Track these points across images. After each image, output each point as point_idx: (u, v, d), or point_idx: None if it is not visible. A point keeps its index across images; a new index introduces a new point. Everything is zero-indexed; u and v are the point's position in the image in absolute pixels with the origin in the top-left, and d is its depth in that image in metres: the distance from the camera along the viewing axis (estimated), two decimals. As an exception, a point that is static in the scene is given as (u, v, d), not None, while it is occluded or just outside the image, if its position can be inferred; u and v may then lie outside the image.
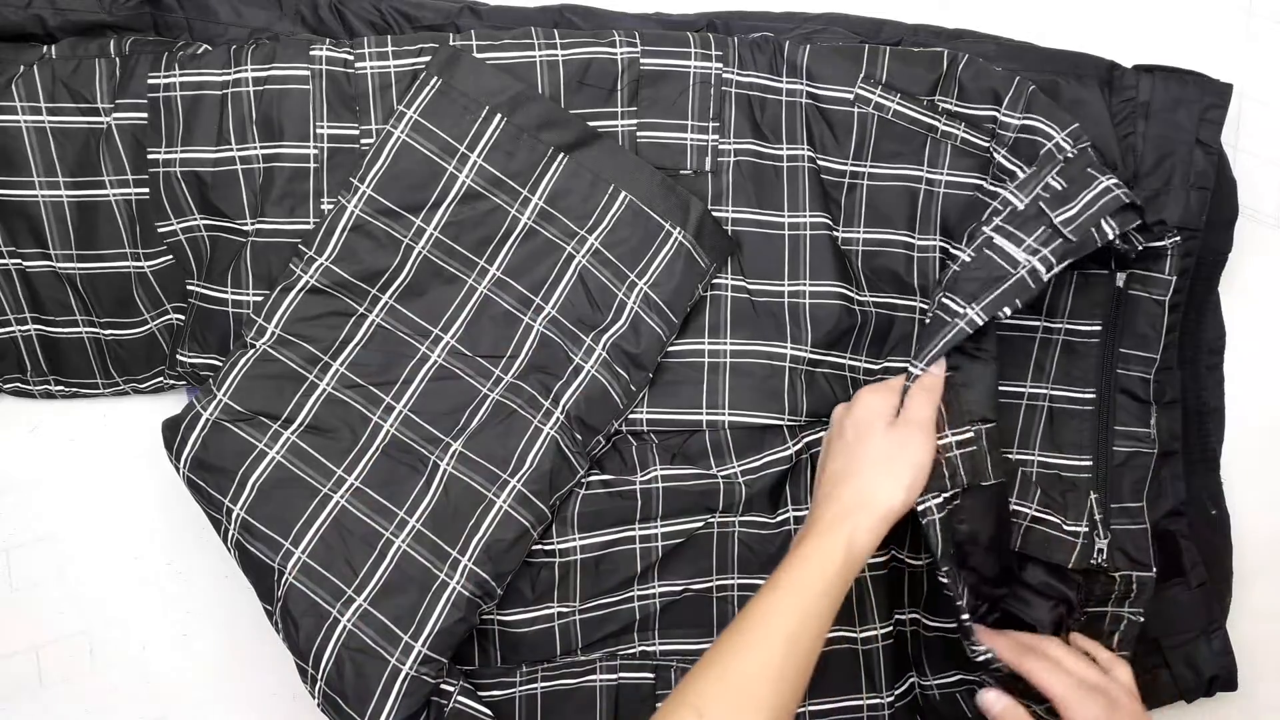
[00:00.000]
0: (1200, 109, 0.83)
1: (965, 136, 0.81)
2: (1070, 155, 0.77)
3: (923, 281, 0.84)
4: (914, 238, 0.84)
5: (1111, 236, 0.74)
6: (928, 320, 0.77)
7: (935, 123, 0.82)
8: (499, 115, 0.79)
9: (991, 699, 0.78)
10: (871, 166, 0.83)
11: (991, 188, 0.81)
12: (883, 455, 0.72)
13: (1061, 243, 0.74)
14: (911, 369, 0.75)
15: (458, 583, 0.74)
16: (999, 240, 0.76)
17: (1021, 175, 0.78)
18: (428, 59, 0.80)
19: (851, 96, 0.82)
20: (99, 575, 0.90)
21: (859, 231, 0.84)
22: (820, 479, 0.76)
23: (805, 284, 0.83)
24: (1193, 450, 0.88)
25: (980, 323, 0.74)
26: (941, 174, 0.83)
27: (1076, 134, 0.78)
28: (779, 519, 0.82)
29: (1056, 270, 0.74)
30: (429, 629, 0.73)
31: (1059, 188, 0.76)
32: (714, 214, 0.82)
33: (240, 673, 0.91)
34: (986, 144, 0.81)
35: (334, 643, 0.73)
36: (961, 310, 0.74)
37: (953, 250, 0.82)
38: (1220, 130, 0.83)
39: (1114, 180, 0.75)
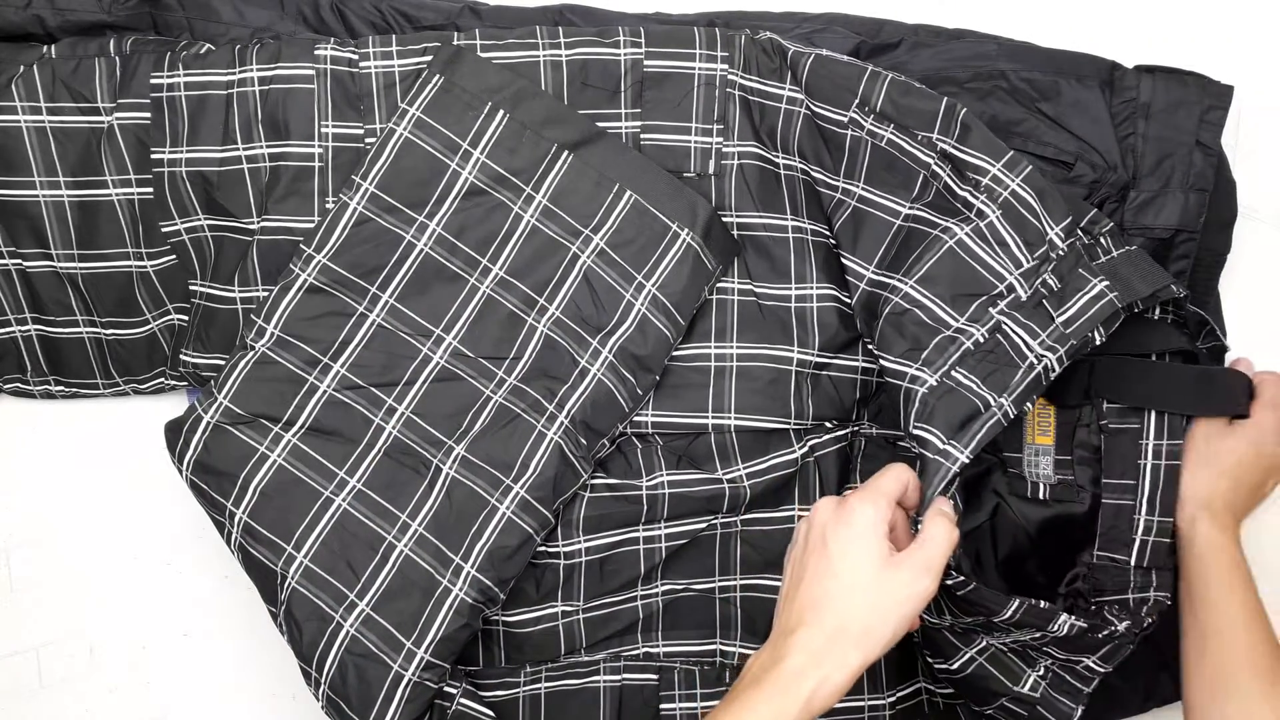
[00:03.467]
0: (1201, 110, 0.83)
1: (948, 182, 0.75)
2: (1062, 252, 0.73)
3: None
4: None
5: (1099, 342, 0.71)
6: (931, 399, 0.71)
7: (929, 160, 0.76)
8: (501, 111, 0.78)
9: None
10: (863, 190, 0.79)
11: (973, 244, 0.74)
12: (877, 597, 0.62)
13: (1071, 345, 0.70)
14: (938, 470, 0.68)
15: (461, 589, 0.74)
16: (1010, 327, 0.72)
17: (1026, 262, 0.73)
18: (431, 58, 0.80)
19: (845, 120, 0.77)
20: (99, 575, 0.90)
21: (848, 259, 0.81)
22: (792, 594, 0.65)
23: (812, 287, 0.82)
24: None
25: (1013, 415, 0.69)
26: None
27: (1069, 228, 0.73)
28: (782, 516, 0.82)
29: (1059, 371, 0.71)
30: (432, 635, 0.73)
31: (1054, 285, 0.73)
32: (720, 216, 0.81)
33: (240, 673, 0.91)
34: (966, 195, 0.74)
35: (337, 648, 0.73)
36: (989, 398, 0.70)
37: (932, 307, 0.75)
38: (1220, 132, 0.83)
39: (1105, 283, 0.72)
